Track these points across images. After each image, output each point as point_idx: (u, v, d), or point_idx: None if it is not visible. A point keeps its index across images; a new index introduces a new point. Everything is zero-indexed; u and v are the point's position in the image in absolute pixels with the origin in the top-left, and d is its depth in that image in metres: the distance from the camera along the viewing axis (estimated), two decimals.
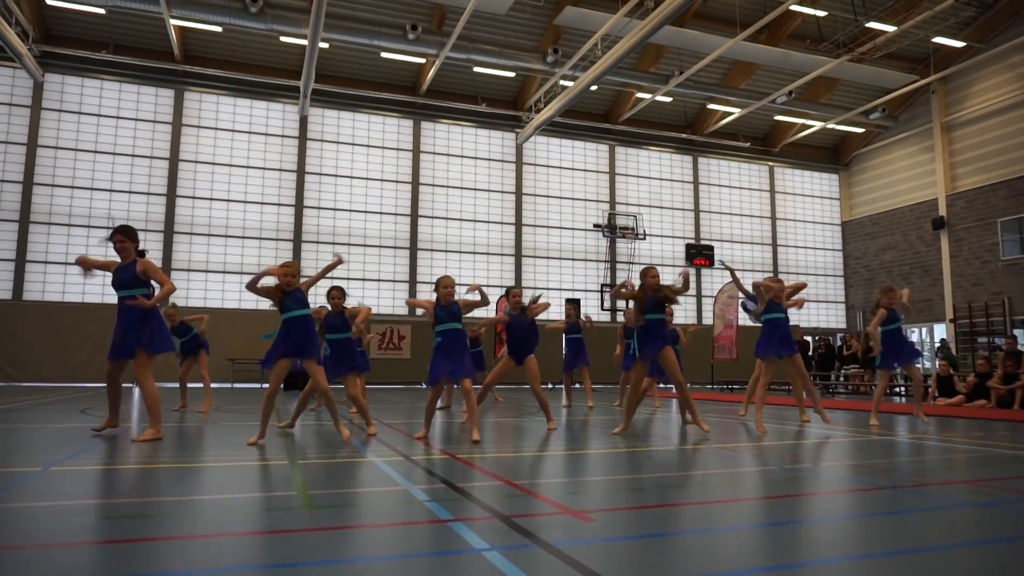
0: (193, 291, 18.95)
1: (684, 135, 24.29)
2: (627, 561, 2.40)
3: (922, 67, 21.74)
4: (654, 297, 6.58)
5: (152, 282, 5.84)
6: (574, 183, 23.35)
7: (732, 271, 8.39)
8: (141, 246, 5.92)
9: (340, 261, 5.95)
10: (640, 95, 21.73)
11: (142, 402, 7.15)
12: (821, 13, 18.47)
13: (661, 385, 11.87)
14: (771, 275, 6.60)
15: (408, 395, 14.78)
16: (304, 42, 17.20)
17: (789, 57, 20.27)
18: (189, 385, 9.42)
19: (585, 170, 23.55)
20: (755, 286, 7.74)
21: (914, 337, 22.86)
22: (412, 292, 20.98)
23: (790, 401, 11.66)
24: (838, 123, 23.58)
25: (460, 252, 21.72)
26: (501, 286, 21.83)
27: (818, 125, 23.80)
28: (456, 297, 6.11)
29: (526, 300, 7.45)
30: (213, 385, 11.11)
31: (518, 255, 22.32)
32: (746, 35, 17.50)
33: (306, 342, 5.68)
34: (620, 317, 22.78)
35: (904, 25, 17.91)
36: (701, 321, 23.43)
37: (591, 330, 10.52)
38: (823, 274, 26.25)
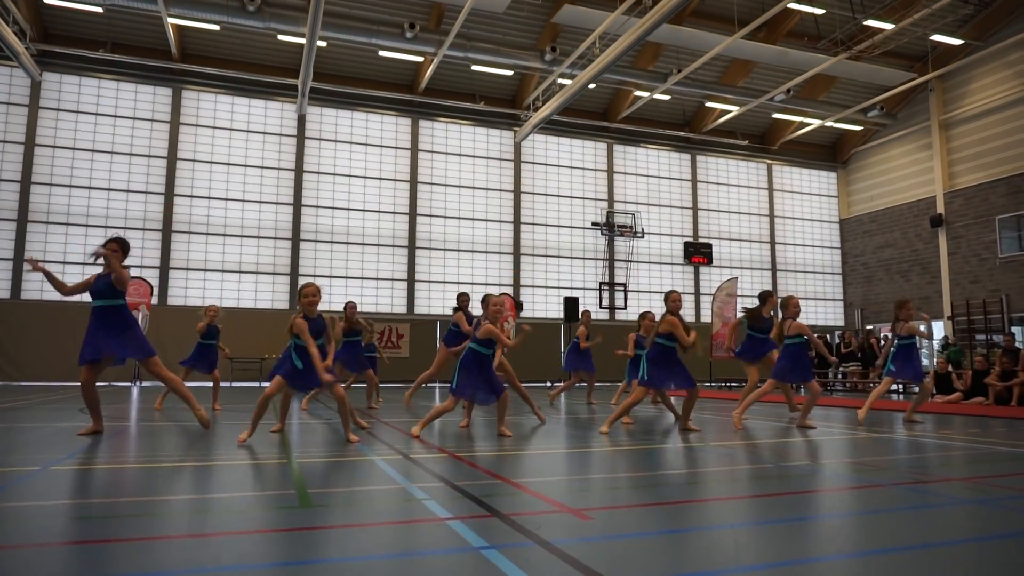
0: (191, 290, 18.93)
1: (682, 133, 24.29)
2: (626, 559, 2.40)
3: (920, 65, 21.75)
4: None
5: (124, 292, 5.92)
6: (572, 181, 23.34)
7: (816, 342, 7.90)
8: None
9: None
10: (638, 93, 21.72)
11: (173, 394, 7.32)
12: (819, 11, 18.44)
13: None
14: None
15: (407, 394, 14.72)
16: (302, 40, 17.18)
17: (787, 55, 20.26)
18: (188, 384, 9.40)
19: (583, 168, 23.53)
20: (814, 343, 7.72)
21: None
22: (410, 291, 20.97)
23: (799, 399, 11.67)
24: (836, 121, 23.57)
25: (458, 250, 21.71)
26: (500, 284, 21.85)
27: (816, 123, 23.80)
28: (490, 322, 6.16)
29: (511, 328, 7.86)
30: (209, 384, 11.11)
31: (516, 253, 22.31)
32: (744, 33, 17.49)
33: (313, 372, 5.57)
34: (619, 316, 22.82)
35: (902, 23, 17.89)
36: (700, 320, 23.46)
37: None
38: (821, 272, 26.27)
